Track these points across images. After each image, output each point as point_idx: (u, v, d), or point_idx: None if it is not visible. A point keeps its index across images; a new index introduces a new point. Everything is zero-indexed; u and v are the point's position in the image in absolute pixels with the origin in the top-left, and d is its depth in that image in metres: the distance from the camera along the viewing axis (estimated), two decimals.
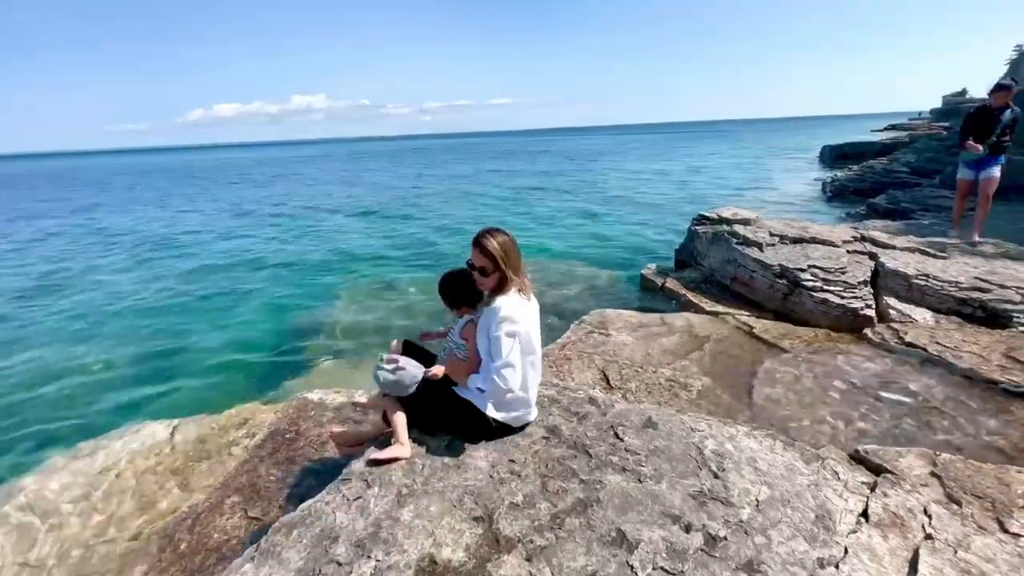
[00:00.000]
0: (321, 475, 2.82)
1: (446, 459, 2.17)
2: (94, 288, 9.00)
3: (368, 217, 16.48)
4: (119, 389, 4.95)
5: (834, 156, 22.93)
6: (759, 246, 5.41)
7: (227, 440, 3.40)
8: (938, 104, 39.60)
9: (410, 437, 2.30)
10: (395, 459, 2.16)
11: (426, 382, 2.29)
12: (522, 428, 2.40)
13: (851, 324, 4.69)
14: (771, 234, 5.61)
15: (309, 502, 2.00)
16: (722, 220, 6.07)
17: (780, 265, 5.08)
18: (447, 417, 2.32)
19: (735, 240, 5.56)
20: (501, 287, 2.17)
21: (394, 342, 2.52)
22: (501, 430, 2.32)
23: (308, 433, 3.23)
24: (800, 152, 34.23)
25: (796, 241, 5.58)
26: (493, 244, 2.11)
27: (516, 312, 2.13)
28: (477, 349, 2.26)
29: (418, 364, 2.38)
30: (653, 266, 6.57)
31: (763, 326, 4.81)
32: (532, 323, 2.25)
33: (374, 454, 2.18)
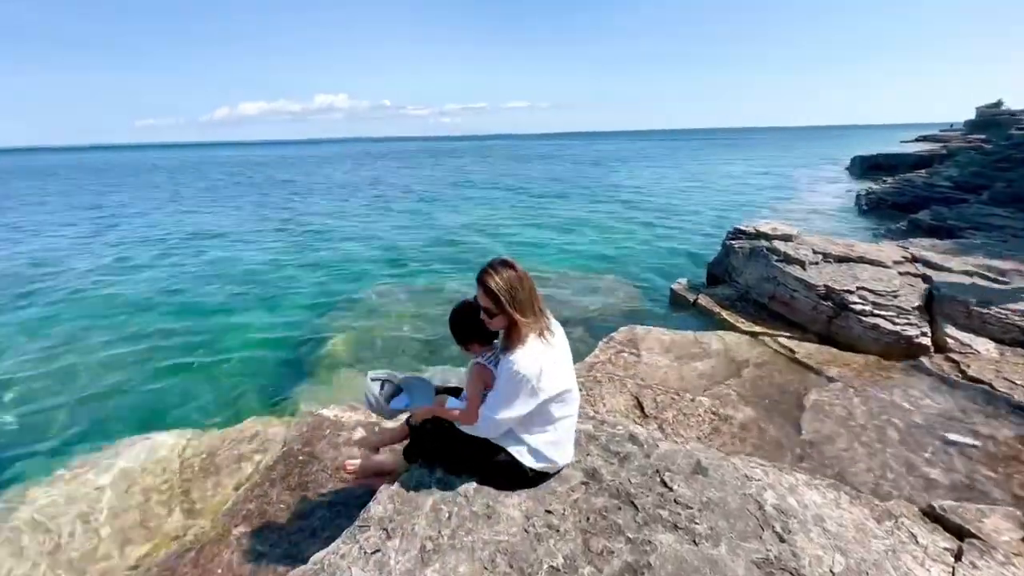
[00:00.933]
0: (335, 507, 2.61)
1: (475, 507, 1.94)
2: (106, 287, 8.99)
3: (390, 218, 16.41)
4: (126, 397, 4.81)
5: (865, 167, 22.17)
6: (801, 264, 5.08)
7: (237, 454, 3.22)
8: (971, 116, 38.27)
9: (435, 476, 2.08)
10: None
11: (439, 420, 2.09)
12: (558, 471, 2.16)
13: (904, 352, 4.34)
14: (814, 251, 5.27)
15: (322, 553, 1.79)
16: (760, 235, 5.74)
17: (825, 286, 4.74)
18: (471, 459, 2.08)
19: (775, 257, 5.24)
20: (513, 331, 1.90)
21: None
22: (536, 476, 2.08)
23: (323, 456, 3.03)
24: (828, 162, 33.32)
25: (841, 260, 5.24)
26: (496, 282, 1.84)
27: (534, 365, 1.87)
28: (473, 395, 2.03)
29: (423, 390, 2.19)
30: (684, 280, 6.26)
31: (806, 350, 4.48)
32: (559, 366, 1.99)
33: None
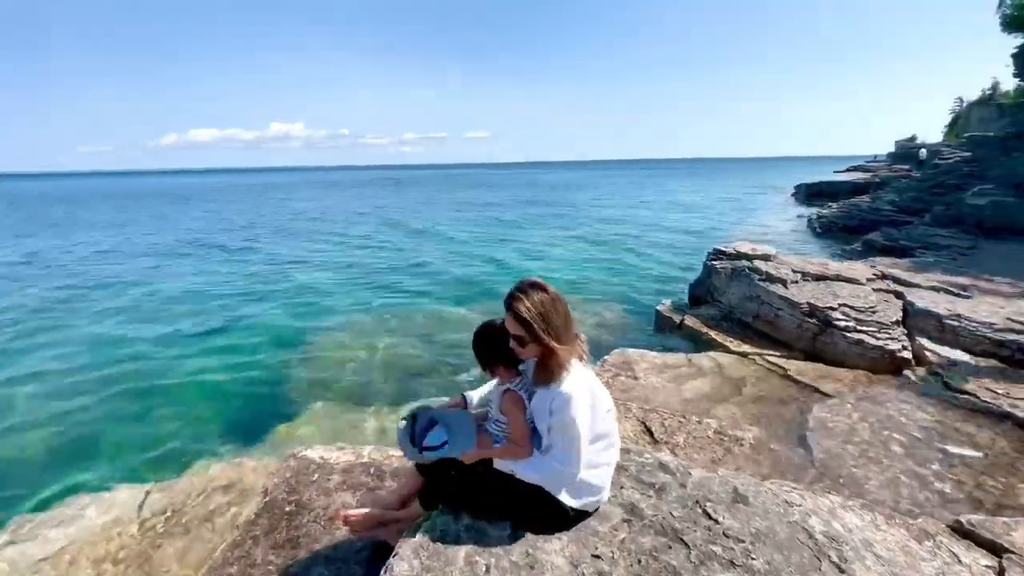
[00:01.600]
0: (335, 564, 2.29)
1: (513, 556, 1.71)
2: (53, 324, 8.13)
3: (358, 247, 15.95)
4: (67, 448, 4.18)
5: (809, 194, 23.75)
6: (783, 283, 5.20)
7: (209, 510, 2.81)
8: (891, 148, 42.25)
9: (462, 523, 1.84)
10: None
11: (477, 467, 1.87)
12: (596, 509, 1.96)
13: (888, 366, 4.45)
14: (793, 271, 5.42)
15: None
16: (740, 255, 5.87)
17: (808, 303, 4.85)
18: (504, 502, 1.86)
19: (757, 276, 5.34)
20: (551, 360, 1.72)
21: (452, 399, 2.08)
22: (576, 517, 1.88)
23: (312, 504, 2.69)
24: (771, 191, 35.51)
25: (819, 278, 5.40)
26: (527, 307, 1.66)
27: (588, 393, 1.73)
28: (520, 426, 1.83)
29: (462, 424, 1.95)
30: (668, 302, 6.29)
31: (797, 368, 4.52)
32: (604, 396, 1.85)
33: None
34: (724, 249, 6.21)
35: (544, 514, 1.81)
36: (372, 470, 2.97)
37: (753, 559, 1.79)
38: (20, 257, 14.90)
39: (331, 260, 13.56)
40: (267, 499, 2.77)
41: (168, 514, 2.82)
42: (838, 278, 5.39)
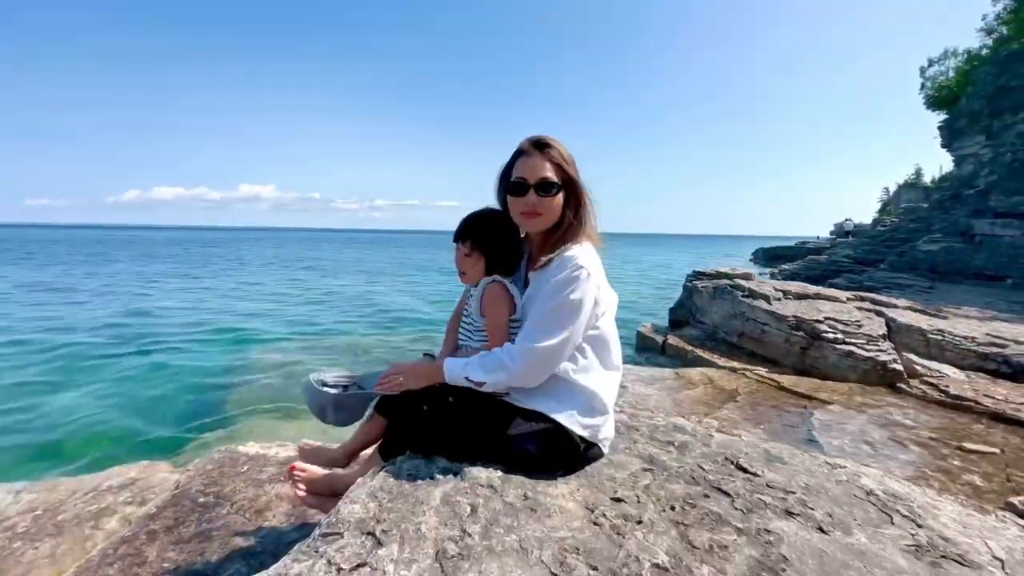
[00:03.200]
0: (257, 557, 1.73)
1: (508, 498, 1.26)
2: None
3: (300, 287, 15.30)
4: None
5: (768, 257, 24.95)
6: (766, 299, 5.07)
7: (96, 508, 2.15)
8: (827, 233, 45.85)
9: (437, 465, 1.39)
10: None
11: (445, 389, 1.44)
12: (601, 455, 1.54)
13: (881, 378, 4.25)
14: (775, 288, 5.33)
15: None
16: (721, 275, 5.77)
17: (795, 316, 4.70)
18: (490, 439, 1.41)
19: (740, 293, 5.21)
20: (578, 211, 1.40)
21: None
22: (585, 456, 1.46)
23: (236, 496, 2.11)
24: (728, 256, 37.29)
25: (800, 297, 5.32)
26: (559, 147, 1.38)
27: (598, 264, 1.39)
28: (501, 325, 1.45)
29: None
30: (649, 324, 6.04)
31: (790, 380, 4.26)
32: (612, 293, 1.50)
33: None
34: (704, 271, 6.12)
35: (547, 447, 1.38)
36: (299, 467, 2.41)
37: (811, 509, 1.40)
38: None
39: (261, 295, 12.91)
40: (176, 491, 2.17)
41: (38, 512, 2.14)
42: (818, 296, 5.33)
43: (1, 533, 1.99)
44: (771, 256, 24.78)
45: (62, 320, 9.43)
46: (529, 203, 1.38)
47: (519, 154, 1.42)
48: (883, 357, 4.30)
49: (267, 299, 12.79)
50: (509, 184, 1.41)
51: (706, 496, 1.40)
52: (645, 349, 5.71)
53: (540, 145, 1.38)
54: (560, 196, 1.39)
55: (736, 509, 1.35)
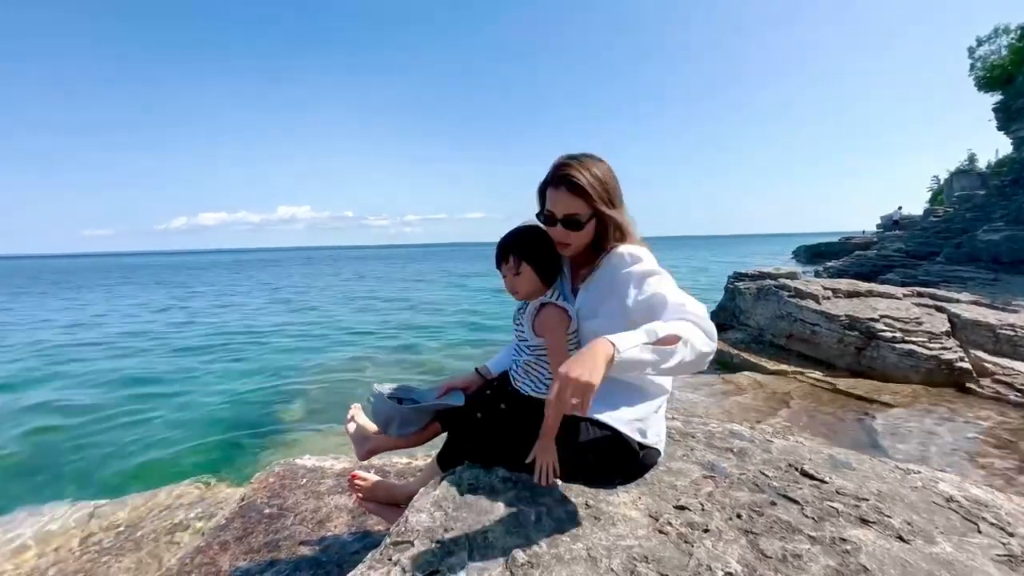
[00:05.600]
0: (323, 567, 1.78)
1: (569, 507, 1.27)
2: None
3: (342, 303, 15.74)
4: (27, 466, 3.68)
5: (810, 254, 23.94)
6: (815, 298, 4.88)
7: (171, 523, 2.29)
8: (873, 228, 43.16)
9: (496, 475, 1.41)
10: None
11: (497, 397, 1.47)
12: (656, 461, 1.52)
13: (947, 378, 4.00)
14: (823, 287, 5.12)
15: None
16: (764, 275, 5.60)
17: (847, 316, 4.50)
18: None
19: (786, 293, 5.03)
20: (611, 231, 1.37)
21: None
22: (642, 463, 1.44)
23: (299, 508, 2.19)
24: (769, 255, 35.98)
25: (851, 295, 5.09)
26: (583, 173, 1.31)
27: (654, 259, 1.37)
28: (563, 345, 1.42)
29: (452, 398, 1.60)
30: None
31: (847, 382, 4.07)
32: None
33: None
34: (746, 272, 5.94)
35: (605, 454, 1.37)
36: (372, 471, 2.47)
37: (888, 517, 1.34)
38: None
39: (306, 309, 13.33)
40: (243, 503, 2.27)
41: (120, 529, 2.29)
42: (871, 294, 5.08)
43: (89, 548, 2.14)
44: (814, 253, 23.74)
45: (122, 344, 10.05)
46: (557, 236, 1.39)
47: (548, 183, 1.40)
48: (948, 355, 4.05)
49: (319, 316, 13.24)
50: (540, 213, 1.42)
51: (773, 504, 1.36)
52: None
53: (566, 179, 1.33)
54: (591, 225, 1.37)
55: (807, 517, 1.30)
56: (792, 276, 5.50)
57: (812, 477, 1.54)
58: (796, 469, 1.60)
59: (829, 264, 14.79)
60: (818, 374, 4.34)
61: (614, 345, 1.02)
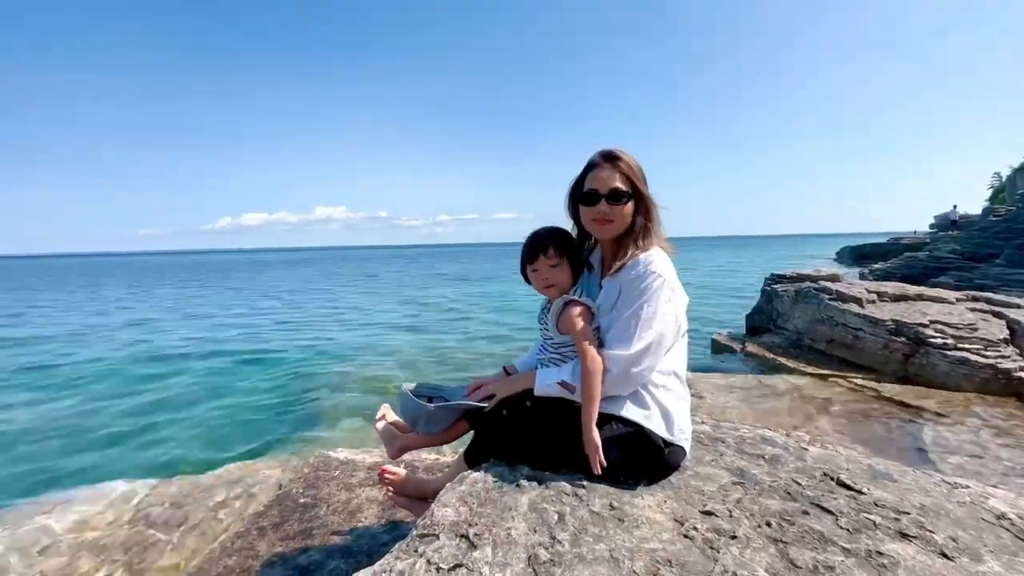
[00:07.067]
0: (354, 556, 1.84)
1: (594, 507, 1.27)
2: (99, 347, 8.30)
3: (378, 301, 16.09)
4: (83, 449, 3.99)
5: (855, 255, 22.84)
6: (858, 301, 4.67)
7: (214, 503, 2.41)
8: (925, 228, 40.47)
9: (521, 472, 1.42)
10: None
11: (524, 395, 1.48)
12: (680, 463, 1.50)
13: (1005, 389, 3.76)
14: (867, 291, 4.89)
15: (364, 573, 1.09)
16: (803, 277, 5.39)
17: (894, 320, 4.28)
18: (572, 447, 1.41)
19: (827, 296, 4.83)
20: (648, 221, 1.45)
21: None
22: (667, 463, 1.43)
23: (332, 499, 2.27)
24: (811, 257, 34.54)
25: (899, 299, 4.84)
26: (628, 158, 1.45)
27: (672, 271, 1.40)
28: (591, 340, 1.41)
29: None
30: (724, 332, 5.75)
31: (892, 389, 3.88)
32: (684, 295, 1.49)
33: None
34: (783, 273, 5.74)
35: (629, 451, 1.37)
36: (402, 467, 2.53)
37: (930, 532, 1.28)
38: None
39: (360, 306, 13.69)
40: (280, 492, 2.37)
41: (167, 505, 2.43)
42: (921, 298, 4.82)
43: (141, 522, 2.28)
44: (859, 255, 22.62)
45: (172, 339, 10.61)
46: (601, 211, 1.44)
47: (590, 167, 1.49)
48: (1006, 364, 3.80)
49: (361, 313, 13.64)
50: (581, 195, 1.48)
51: (805, 513, 1.32)
52: (720, 357, 5.44)
53: (610, 158, 1.45)
54: (630, 205, 1.44)
55: (841, 528, 1.26)
56: (834, 278, 5.27)
57: (849, 487, 1.49)
58: (832, 479, 1.55)
59: (875, 266, 14.05)
60: (860, 379, 4.15)
61: (534, 383, 1.43)
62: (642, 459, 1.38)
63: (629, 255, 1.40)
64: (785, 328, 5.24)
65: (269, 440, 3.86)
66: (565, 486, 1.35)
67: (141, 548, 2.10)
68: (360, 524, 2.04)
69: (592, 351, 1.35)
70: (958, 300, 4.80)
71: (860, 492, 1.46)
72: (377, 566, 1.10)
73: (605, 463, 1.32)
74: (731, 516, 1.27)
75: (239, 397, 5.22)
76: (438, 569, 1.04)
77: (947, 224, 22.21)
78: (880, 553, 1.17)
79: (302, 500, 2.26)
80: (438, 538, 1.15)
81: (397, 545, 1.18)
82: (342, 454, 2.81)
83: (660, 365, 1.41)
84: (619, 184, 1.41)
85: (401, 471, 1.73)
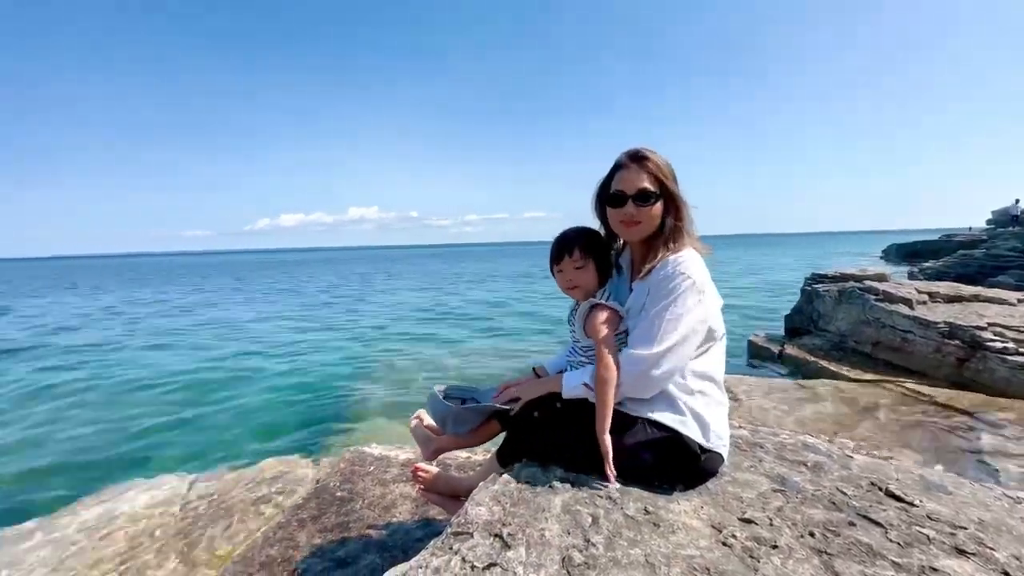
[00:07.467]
0: (390, 552, 1.88)
1: (629, 511, 1.25)
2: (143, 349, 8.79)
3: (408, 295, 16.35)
4: (135, 442, 4.25)
5: (903, 254, 21.68)
6: (907, 303, 4.43)
7: (254, 496, 2.52)
8: (982, 224, 37.73)
9: (554, 473, 1.42)
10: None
11: (554, 395, 1.47)
12: (717, 469, 1.46)
13: None
14: (918, 291, 4.64)
15: (402, 569, 1.11)
16: (847, 276, 5.16)
17: (947, 323, 4.05)
18: (598, 449, 1.39)
19: (873, 297, 4.61)
20: (678, 221, 1.40)
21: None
22: (703, 469, 1.40)
23: (367, 494, 2.33)
24: (855, 255, 33.00)
25: (952, 300, 4.57)
26: (656, 157, 1.40)
27: (704, 272, 1.36)
28: (612, 344, 1.40)
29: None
30: (762, 333, 5.57)
31: (946, 395, 3.66)
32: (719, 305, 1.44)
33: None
34: (825, 272, 5.51)
35: (664, 456, 1.35)
36: (434, 464, 2.57)
37: (991, 549, 1.20)
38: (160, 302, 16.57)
39: (386, 302, 13.98)
40: (318, 485, 2.44)
41: (213, 497, 2.55)
42: (977, 298, 4.54)
43: (188, 513, 2.40)
44: (907, 253, 21.42)
45: (222, 336, 11.10)
46: (628, 213, 1.41)
47: (617, 167, 1.45)
48: None
49: (399, 310, 13.94)
50: (608, 196, 1.45)
51: (851, 524, 1.27)
52: (758, 358, 5.27)
53: (637, 158, 1.41)
54: (658, 205, 1.40)
55: (891, 542, 1.20)
56: (880, 278, 5.02)
57: (899, 499, 1.42)
58: (880, 489, 1.48)
59: (926, 265, 13.26)
60: (910, 384, 3.95)
61: (561, 386, 1.42)
62: (677, 465, 1.35)
63: (659, 257, 1.36)
64: (827, 330, 5.03)
65: (305, 436, 4.02)
66: (598, 488, 1.34)
67: (191, 536, 2.21)
68: (394, 519, 2.08)
69: (608, 358, 1.34)
70: (1019, 301, 4.49)
71: (912, 504, 1.39)
72: (414, 561, 1.12)
73: (615, 472, 1.32)
74: (772, 525, 1.23)
75: (276, 394, 5.45)
76: (472, 567, 1.05)
77: (1007, 219, 20.77)
78: (935, 569, 1.11)
79: (339, 494, 2.32)
80: (472, 536, 1.16)
81: (432, 542, 1.20)
82: (376, 450, 2.87)
83: (695, 368, 1.38)
84: (647, 184, 1.37)
85: (433, 469, 1.76)
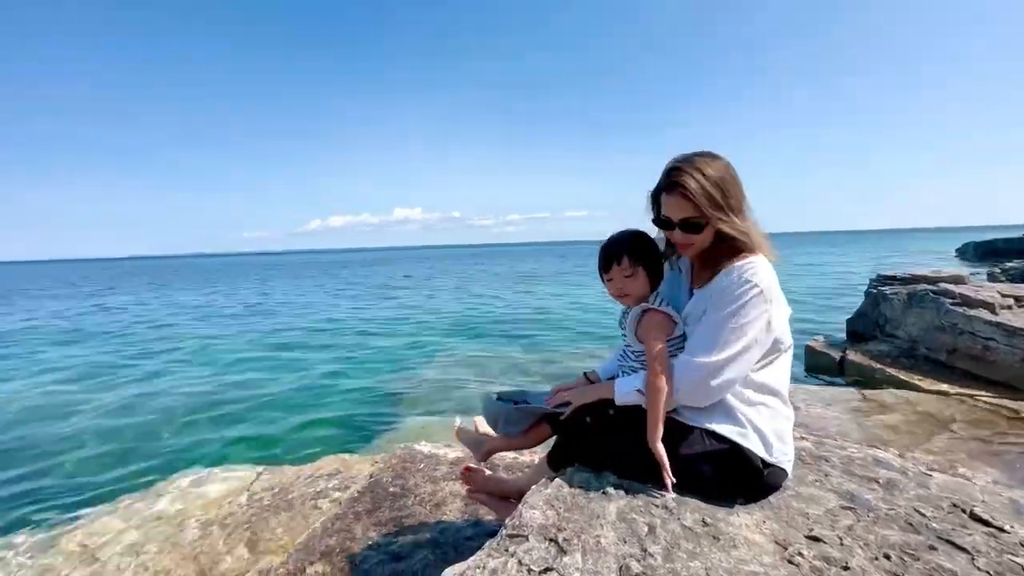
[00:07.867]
0: (440, 548, 1.93)
1: (686, 522, 1.23)
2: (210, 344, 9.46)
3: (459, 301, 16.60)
4: (203, 433, 4.58)
5: (980, 253, 19.93)
6: (989, 307, 4.08)
7: (314, 490, 2.64)
8: None
9: (607, 479, 1.41)
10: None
11: (607, 402, 1.45)
12: (780, 484, 1.40)
13: None
14: (1001, 295, 4.26)
15: (458, 569, 1.14)
16: (919, 278, 4.80)
17: None
18: (653, 457, 1.36)
19: (949, 301, 4.27)
20: (733, 244, 1.31)
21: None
22: (765, 484, 1.35)
23: (418, 490, 2.39)
24: (925, 253, 30.60)
25: None
26: (697, 177, 1.25)
27: (773, 279, 1.29)
28: (662, 351, 1.34)
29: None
30: (821, 338, 5.28)
31: None
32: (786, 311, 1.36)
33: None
34: (892, 274, 5.15)
35: (723, 469, 1.31)
36: (484, 465, 2.61)
37: None
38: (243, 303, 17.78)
39: (443, 307, 14.25)
40: (371, 480, 2.54)
41: (276, 490, 2.70)
42: None
43: (253, 505, 2.54)
44: (986, 251, 19.61)
45: (275, 331, 11.72)
46: (676, 238, 1.36)
47: (660, 188, 1.36)
48: None
49: (449, 312, 14.28)
50: (658, 219, 1.39)
51: (932, 548, 1.18)
52: (816, 367, 4.99)
53: (676, 186, 1.29)
54: (708, 230, 1.31)
55: (979, 570, 1.11)
56: (957, 280, 4.64)
57: (987, 523, 1.31)
58: (963, 511, 1.38)
59: (1009, 265, 12.12)
60: (991, 396, 3.63)
61: (614, 393, 1.41)
62: (737, 479, 1.31)
63: (722, 265, 1.32)
64: (895, 335, 4.70)
65: (361, 432, 4.21)
66: (653, 497, 1.32)
67: (256, 525, 2.35)
68: (445, 517, 2.13)
69: (658, 364, 1.31)
70: None
71: (1001, 529, 1.28)
72: (471, 561, 1.14)
73: (673, 479, 1.30)
74: (842, 544, 1.17)
75: (337, 396, 5.74)
76: (529, 571, 1.06)
77: None
78: None
79: (392, 489, 2.40)
80: (527, 540, 1.17)
81: (488, 543, 1.21)
82: (426, 448, 2.94)
83: (758, 379, 1.33)
84: (690, 213, 1.28)
85: (484, 469, 1.79)
